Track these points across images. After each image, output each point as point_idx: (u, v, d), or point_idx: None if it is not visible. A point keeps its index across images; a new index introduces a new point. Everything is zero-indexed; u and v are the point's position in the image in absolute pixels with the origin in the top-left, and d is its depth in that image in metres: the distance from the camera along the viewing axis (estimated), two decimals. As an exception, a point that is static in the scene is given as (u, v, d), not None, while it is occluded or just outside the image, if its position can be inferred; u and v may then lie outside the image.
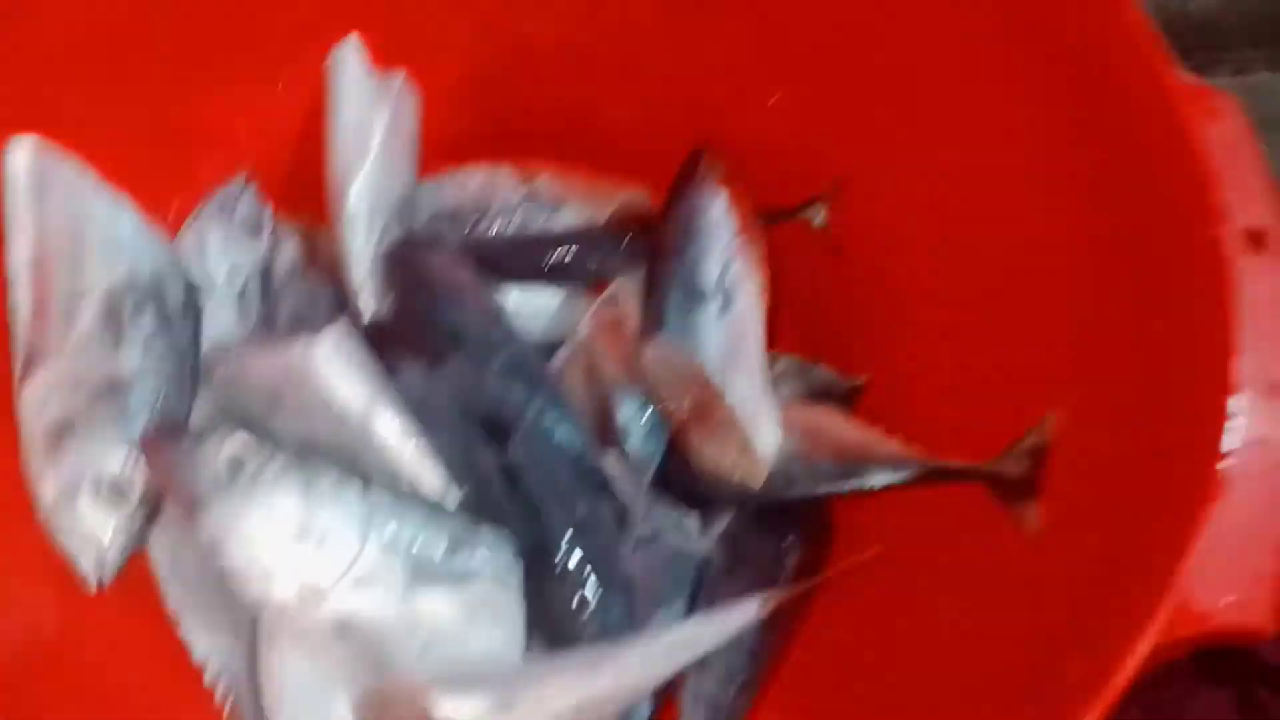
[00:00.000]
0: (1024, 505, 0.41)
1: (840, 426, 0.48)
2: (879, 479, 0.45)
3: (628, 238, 0.55)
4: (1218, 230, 0.36)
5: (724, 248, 0.49)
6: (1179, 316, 0.37)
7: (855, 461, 0.46)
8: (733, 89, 0.55)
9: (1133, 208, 0.39)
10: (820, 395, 0.52)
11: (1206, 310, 0.35)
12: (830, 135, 0.53)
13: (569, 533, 0.43)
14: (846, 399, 0.52)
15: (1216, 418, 0.34)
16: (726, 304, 0.47)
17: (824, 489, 0.46)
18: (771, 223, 0.55)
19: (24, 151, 0.46)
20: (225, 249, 0.53)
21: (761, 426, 0.46)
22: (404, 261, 0.52)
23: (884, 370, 0.52)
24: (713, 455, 0.44)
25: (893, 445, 0.46)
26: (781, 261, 0.56)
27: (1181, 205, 0.37)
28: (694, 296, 0.47)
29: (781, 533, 0.47)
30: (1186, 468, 0.34)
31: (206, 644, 0.42)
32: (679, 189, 0.53)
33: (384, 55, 0.55)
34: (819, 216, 0.54)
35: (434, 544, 0.42)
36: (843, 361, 0.53)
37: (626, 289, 0.54)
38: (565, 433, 0.46)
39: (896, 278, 0.51)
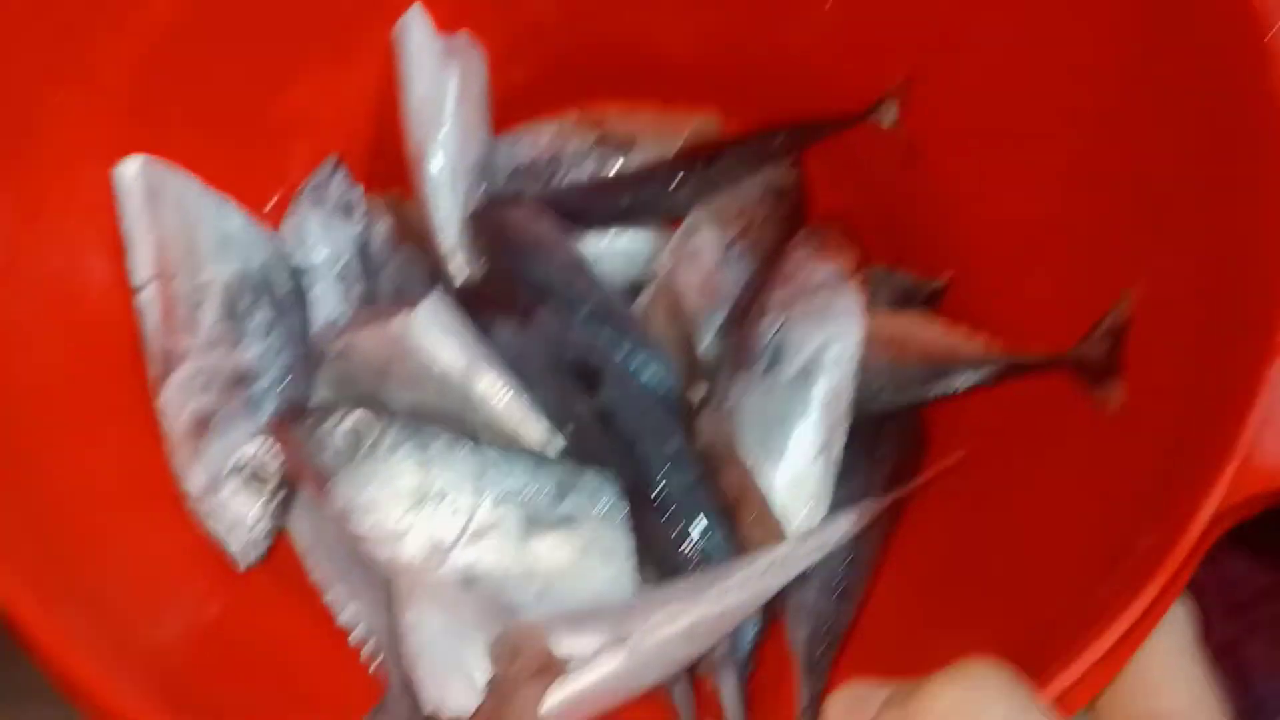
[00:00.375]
0: (1106, 386, 0.40)
1: (923, 331, 0.48)
2: (965, 379, 0.45)
3: (699, 167, 0.55)
4: (1274, 79, 0.34)
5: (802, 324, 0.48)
6: (1241, 176, 0.35)
7: (940, 365, 0.46)
8: (787, -3, 0.54)
9: (1187, 64, 0.38)
10: (904, 300, 0.52)
11: (1269, 165, 0.34)
12: (891, 34, 0.52)
13: (665, 467, 0.45)
14: (930, 301, 0.52)
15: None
16: (793, 380, 0.46)
17: (911, 396, 0.47)
18: (843, 128, 0.54)
19: (133, 165, 0.49)
20: (323, 233, 0.55)
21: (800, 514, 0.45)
22: (488, 222, 0.54)
23: (964, 269, 0.51)
24: (759, 541, 0.44)
25: (977, 344, 0.46)
26: (857, 168, 0.56)
27: (1236, 55, 0.35)
28: (749, 367, 0.47)
29: (873, 446, 0.47)
30: (1251, 326, 0.33)
31: (350, 607, 0.46)
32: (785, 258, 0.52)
33: (443, 19, 0.56)
34: (889, 116, 0.53)
35: (542, 492, 0.44)
36: (923, 264, 0.53)
37: (704, 219, 0.55)
38: (653, 372, 0.47)
39: (970, 174, 0.50)
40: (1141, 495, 0.36)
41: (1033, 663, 0.30)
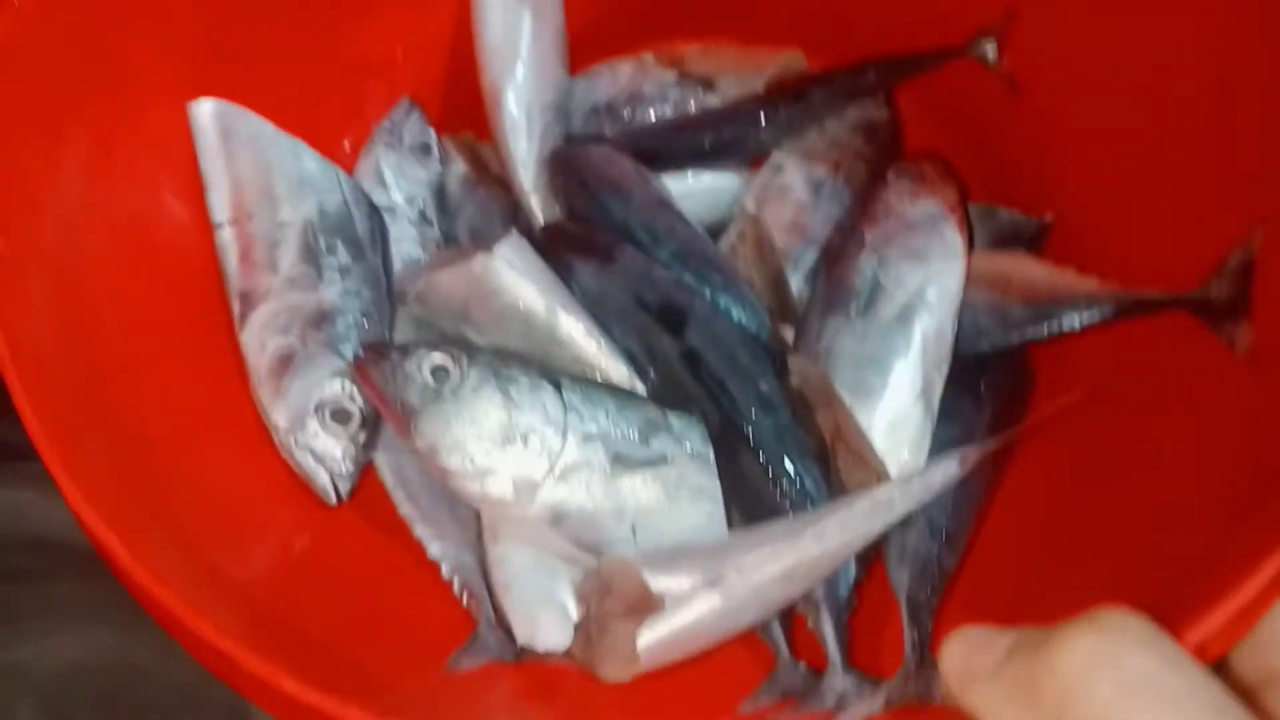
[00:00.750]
0: (1234, 327, 0.38)
1: (1029, 270, 0.46)
2: (1075, 319, 0.43)
3: (785, 104, 0.53)
4: None
5: (886, 258, 0.46)
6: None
7: (1048, 304, 0.44)
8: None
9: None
10: (1006, 239, 0.50)
11: None
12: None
13: (757, 409, 0.43)
14: (1034, 241, 0.50)
15: None
16: (891, 320, 0.45)
17: (1017, 337, 0.45)
18: (942, 63, 0.52)
19: (207, 104, 0.49)
20: (400, 174, 0.54)
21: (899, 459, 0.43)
22: (566, 162, 0.53)
23: (1071, 207, 0.49)
24: (858, 482, 0.42)
25: (1087, 283, 0.44)
26: (952, 104, 0.53)
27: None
28: (843, 308, 0.45)
29: (976, 387, 0.46)
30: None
31: (438, 542, 0.45)
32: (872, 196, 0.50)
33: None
34: (990, 52, 0.51)
35: (629, 432, 0.43)
36: (1027, 202, 0.51)
37: (790, 156, 0.53)
38: (740, 312, 0.46)
39: (1077, 108, 0.48)
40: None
41: (1164, 610, 0.28)
